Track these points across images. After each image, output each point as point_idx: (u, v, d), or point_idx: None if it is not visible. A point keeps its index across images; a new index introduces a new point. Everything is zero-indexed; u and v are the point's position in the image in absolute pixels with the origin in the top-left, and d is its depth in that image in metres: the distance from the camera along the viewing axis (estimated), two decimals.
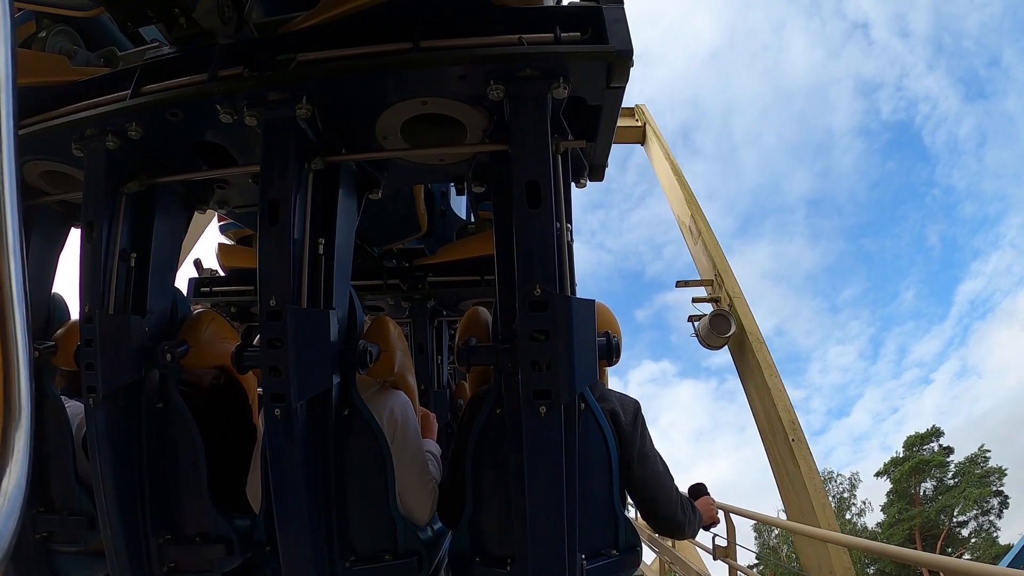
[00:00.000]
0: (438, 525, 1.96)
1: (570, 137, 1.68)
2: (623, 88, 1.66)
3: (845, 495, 37.53)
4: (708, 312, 8.43)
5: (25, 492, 0.55)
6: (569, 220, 1.65)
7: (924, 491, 32.61)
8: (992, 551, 27.68)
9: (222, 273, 3.85)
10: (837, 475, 38.27)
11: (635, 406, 1.87)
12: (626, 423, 1.80)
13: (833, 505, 37.03)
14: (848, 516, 36.19)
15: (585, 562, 1.67)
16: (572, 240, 1.68)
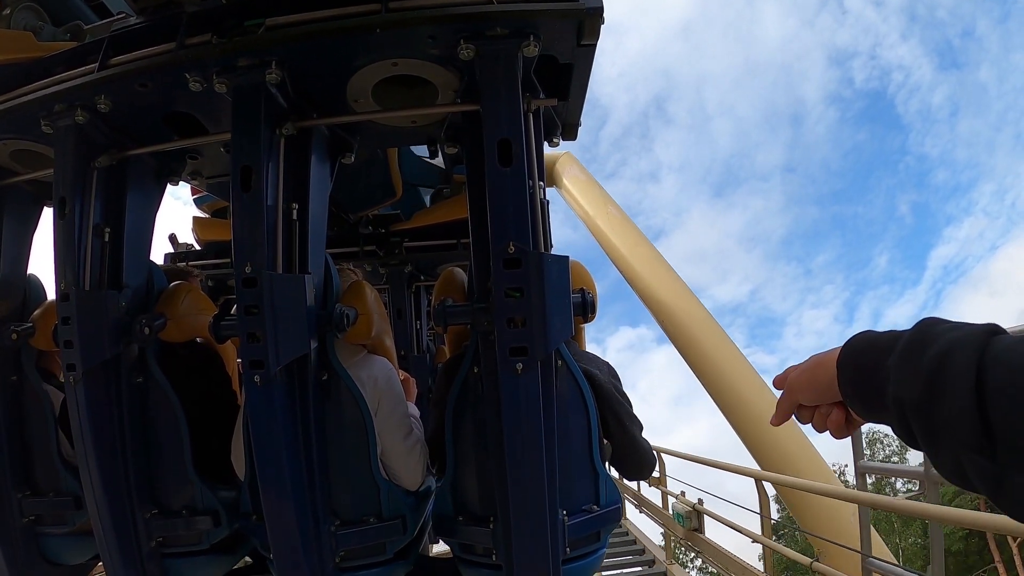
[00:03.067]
0: (422, 487, 1.98)
1: (542, 96, 1.67)
2: (594, 46, 1.66)
3: (894, 459, 32.45)
4: None
5: None
6: (542, 178, 1.66)
7: None
8: None
9: (197, 247, 3.83)
10: (884, 436, 33.20)
11: (609, 367, 1.92)
12: (605, 383, 1.83)
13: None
14: (900, 485, 33.65)
15: (566, 518, 1.70)
16: (546, 198, 1.68)
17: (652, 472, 2.07)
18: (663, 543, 7.03)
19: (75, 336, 1.79)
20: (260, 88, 1.66)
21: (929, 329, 0.57)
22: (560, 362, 1.66)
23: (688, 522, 6.00)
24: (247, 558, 2.25)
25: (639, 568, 6.62)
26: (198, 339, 2.12)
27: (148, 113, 1.91)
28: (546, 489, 1.60)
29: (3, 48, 2.08)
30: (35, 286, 2.30)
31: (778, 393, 0.79)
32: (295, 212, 1.70)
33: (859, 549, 3.55)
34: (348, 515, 1.79)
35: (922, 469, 2.93)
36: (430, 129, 1.98)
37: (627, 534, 7.56)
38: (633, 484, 8.15)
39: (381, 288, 3.79)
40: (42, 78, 1.92)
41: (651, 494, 7.82)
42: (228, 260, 3.36)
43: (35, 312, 2.15)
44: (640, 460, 1.94)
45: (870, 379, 0.61)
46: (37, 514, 2.16)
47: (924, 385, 0.53)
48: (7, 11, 2.25)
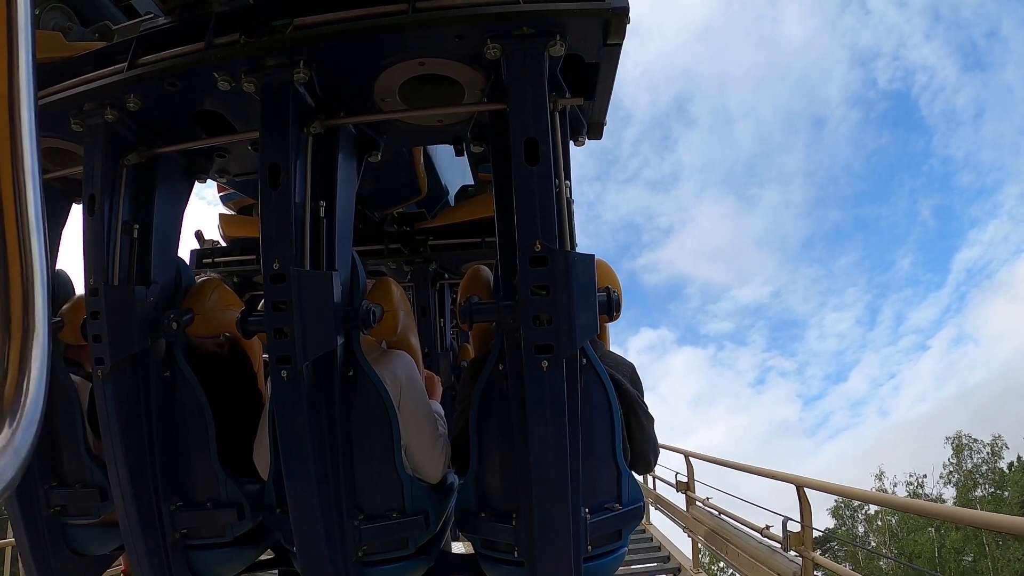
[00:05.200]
0: (446, 483, 1.99)
1: (568, 95, 1.68)
2: (620, 45, 1.66)
3: (983, 468, 29.17)
4: None
5: (43, 406, 0.57)
6: (568, 177, 1.66)
7: None
8: None
9: (224, 244, 3.88)
10: (974, 441, 29.84)
11: (632, 368, 1.93)
12: (628, 383, 1.84)
13: (954, 479, 28.51)
14: (981, 494, 27.67)
15: (589, 516, 1.70)
16: (571, 197, 1.69)
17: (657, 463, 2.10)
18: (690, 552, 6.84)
19: (104, 331, 1.82)
20: (288, 87, 1.68)
21: None
22: (585, 360, 1.66)
23: None
24: (270, 551, 2.27)
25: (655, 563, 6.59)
26: (225, 335, 2.15)
27: (177, 112, 1.94)
28: (569, 486, 1.61)
29: None
30: (63, 281, 2.34)
31: None
32: (322, 209, 1.72)
33: None
34: (371, 509, 1.81)
35: None
36: (456, 128, 1.99)
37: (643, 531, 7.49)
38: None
39: (406, 286, 3.82)
40: (72, 77, 1.95)
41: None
42: (254, 257, 3.39)
43: (64, 307, 2.18)
44: (653, 455, 1.96)
45: None
46: (63, 505, 2.19)
47: None
48: (36, 12, 2.29)
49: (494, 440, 1.77)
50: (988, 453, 29.46)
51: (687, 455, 6.84)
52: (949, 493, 29.45)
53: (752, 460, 5.57)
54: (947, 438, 30.82)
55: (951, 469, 30.10)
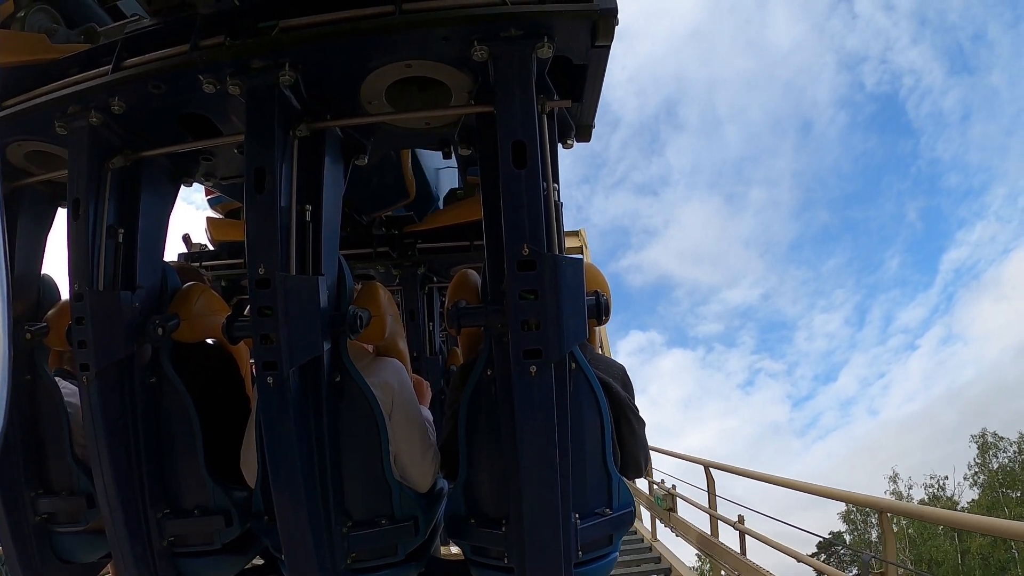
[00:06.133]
0: (435, 489, 1.98)
1: (556, 97, 1.67)
2: (608, 47, 1.65)
3: (1010, 466, 26.91)
4: None
5: (4, 413, 0.55)
6: (556, 180, 1.65)
7: None
8: None
9: (211, 247, 3.86)
10: (1000, 439, 27.48)
11: (623, 370, 1.92)
12: (618, 387, 1.83)
13: (980, 480, 26.98)
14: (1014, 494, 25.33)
15: (579, 521, 1.69)
16: (560, 200, 1.67)
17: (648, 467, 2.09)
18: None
19: (89, 336, 1.80)
20: (274, 90, 1.67)
21: None
22: (574, 364, 1.65)
23: (664, 503, 7.14)
24: (258, 558, 2.25)
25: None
26: (211, 340, 2.13)
27: (162, 115, 1.92)
28: (559, 492, 1.60)
29: (18, 50, 2.10)
30: (49, 286, 2.31)
31: None
32: (308, 213, 1.70)
33: None
34: (360, 516, 1.79)
35: None
36: (444, 131, 1.98)
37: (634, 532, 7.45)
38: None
39: (394, 289, 3.79)
40: (56, 80, 1.93)
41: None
42: (241, 260, 3.38)
43: (49, 312, 2.16)
44: (644, 458, 1.95)
45: None
46: (50, 512, 2.17)
47: None
48: (21, 14, 2.27)
49: (483, 446, 1.76)
50: (1016, 451, 27.61)
51: (889, 514, 3.49)
52: (971, 496, 27.74)
53: (742, 462, 5.52)
54: (972, 436, 28.89)
55: (976, 470, 28.30)
